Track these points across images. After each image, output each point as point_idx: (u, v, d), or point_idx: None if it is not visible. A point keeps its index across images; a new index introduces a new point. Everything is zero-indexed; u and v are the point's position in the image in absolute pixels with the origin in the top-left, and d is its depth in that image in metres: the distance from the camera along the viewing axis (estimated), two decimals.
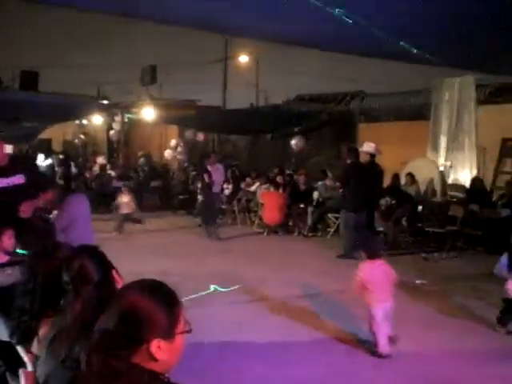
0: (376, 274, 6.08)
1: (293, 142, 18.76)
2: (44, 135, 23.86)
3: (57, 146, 26.95)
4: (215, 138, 23.62)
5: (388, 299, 6.01)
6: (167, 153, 22.56)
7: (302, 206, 14.50)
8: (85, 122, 25.46)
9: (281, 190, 15.14)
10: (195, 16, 6.99)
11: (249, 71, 31.09)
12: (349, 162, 11.87)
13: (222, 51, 27.53)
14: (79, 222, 7.38)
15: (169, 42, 28.45)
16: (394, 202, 12.71)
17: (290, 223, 14.88)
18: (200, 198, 14.77)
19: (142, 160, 22.22)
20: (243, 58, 29.12)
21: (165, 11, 6.75)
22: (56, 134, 25.00)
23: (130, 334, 1.89)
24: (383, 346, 5.92)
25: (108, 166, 20.95)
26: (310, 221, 14.21)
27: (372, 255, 6.22)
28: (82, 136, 25.61)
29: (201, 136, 22.99)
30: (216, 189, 15.41)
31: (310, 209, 14.28)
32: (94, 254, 2.91)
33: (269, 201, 14.62)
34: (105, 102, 24.07)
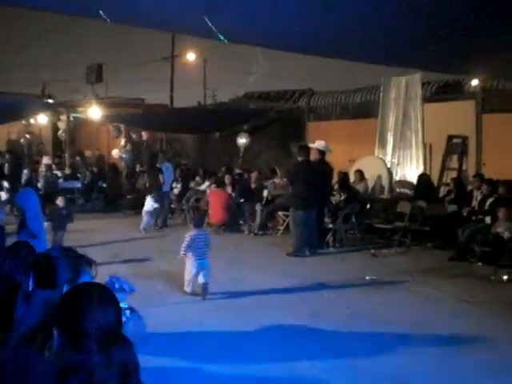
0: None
1: (239, 139, 18.69)
2: None
3: (1, 145, 26.24)
4: (163, 136, 23.37)
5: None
6: (114, 152, 22.21)
7: (251, 204, 14.47)
8: (30, 121, 24.85)
9: (228, 189, 15.08)
10: (144, 14, 6.87)
11: (196, 69, 30.93)
12: (299, 159, 11.89)
13: (169, 49, 27.26)
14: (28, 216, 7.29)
15: (115, 39, 28.09)
16: (342, 198, 12.81)
17: (241, 221, 14.85)
18: (148, 197, 14.56)
19: (77, 159, 21.67)
20: (190, 56, 28.89)
21: (114, 10, 6.61)
22: (0, 133, 24.34)
23: None
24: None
25: (54, 166, 20.50)
26: (259, 219, 14.20)
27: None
28: (27, 135, 24.99)
29: (145, 135, 22.72)
30: (165, 188, 15.32)
31: (259, 207, 14.25)
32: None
33: (214, 200, 14.52)
34: (50, 100, 23.58)
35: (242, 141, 18.68)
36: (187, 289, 8.34)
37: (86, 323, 2.18)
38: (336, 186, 13.42)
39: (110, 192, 18.96)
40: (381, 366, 5.75)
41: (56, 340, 2.16)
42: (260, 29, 7.39)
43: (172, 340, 6.45)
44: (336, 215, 12.45)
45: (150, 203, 14.21)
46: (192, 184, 17.02)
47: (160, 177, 14.98)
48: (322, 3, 6.05)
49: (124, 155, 21.20)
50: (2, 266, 3.10)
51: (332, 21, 6.71)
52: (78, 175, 20.11)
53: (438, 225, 12.11)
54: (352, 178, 14.09)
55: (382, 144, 15.60)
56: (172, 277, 9.15)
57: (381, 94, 15.84)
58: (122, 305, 2.64)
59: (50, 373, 2.11)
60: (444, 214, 12.23)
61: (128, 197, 18.25)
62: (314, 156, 11.97)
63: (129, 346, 2.25)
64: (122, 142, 22.50)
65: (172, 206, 16.38)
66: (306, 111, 19.41)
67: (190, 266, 8.31)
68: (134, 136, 22.87)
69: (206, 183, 16.33)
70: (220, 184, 15.12)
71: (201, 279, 8.23)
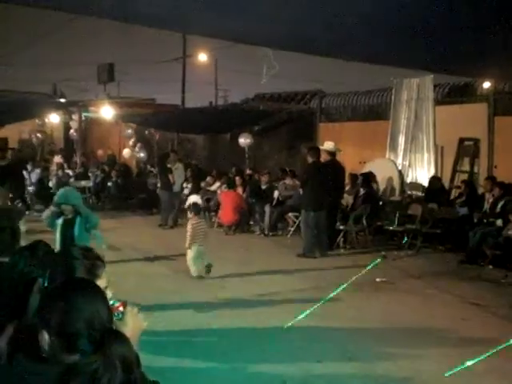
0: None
1: (241, 140, 18.63)
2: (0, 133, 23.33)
3: (13, 144, 26.38)
4: (174, 136, 23.44)
5: None
6: (126, 152, 22.30)
7: (262, 205, 14.48)
8: (42, 119, 24.96)
9: (239, 190, 15.10)
10: (155, 14, 6.88)
11: (208, 70, 31.00)
12: (310, 161, 11.88)
13: (181, 49, 27.33)
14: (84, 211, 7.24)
15: (127, 40, 28.19)
16: (361, 194, 12.83)
17: (251, 222, 14.88)
18: (162, 196, 14.64)
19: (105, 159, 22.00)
20: (202, 57, 28.94)
21: (124, 9, 6.63)
22: (12, 132, 24.45)
23: None
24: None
25: (65, 165, 20.61)
26: (269, 220, 14.19)
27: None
28: (39, 134, 25.10)
29: (156, 134, 22.82)
30: (176, 188, 15.38)
31: (269, 208, 14.25)
32: None
33: (225, 200, 14.57)
34: (61, 100, 23.67)
35: (246, 141, 18.62)
36: (194, 274, 9.35)
37: (76, 323, 2.07)
38: (348, 187, 13.43)
39: (122, 191, 19.00)
40: (393, 370, 5.75)
41: (48, 344, 2.12)
42: (271, 30, 7.39)
43: (182, 339, 6.47)
44: (347, 217, 12.45)
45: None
46: (203, 184, 17.06)
47: (170, 177, 15.08)
48: (332, 4, 6.04)
49: (141, 154, 21.24)
50: (17, 263, 3.12)
51: (342, 22, 6.70)
52: (89, 174, 20.19)
53: (449, 227, 12.08)
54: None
55: (394, 146, 15.56)
56: (180, 274, 9.18)
57: (392, 96, 15.80)
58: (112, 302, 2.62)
59: (51, 379, 2.05)
60: (455, 216, 12.20)
61: (140, 196, 18.30)
62: (324, 157, 11.99)
63: (124, 339, 2.18)
64: (132, 141, 22.55)
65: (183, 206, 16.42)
66: (316, 113, 19.39)
67: (191, 252, 9.40)
68: (145, 135, 22.96)
69: (217, 184, 16.36)
70: (231, 185, 15.13)
71: (204, 262, 9.42)
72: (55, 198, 6.78)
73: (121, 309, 2.65)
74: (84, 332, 2.08)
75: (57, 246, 6.28)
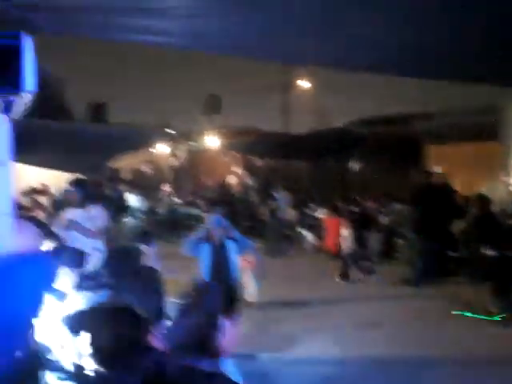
0: None
1: (350, 164, 18.50)
2: (112, 163, 24.39)
3: (124, 174, 27.52)
4: (278, 163, 23.60)
5: None
6: (231, 178, 22.68)
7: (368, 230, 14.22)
8: (151, 150, 25.95)
9: (344, 216, 14.92)
10: (252, 46, 6.92)
11: (309, 95, 31.06)
12: (420, 184, 11.60)
13: (283, 77, 27.62)
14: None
15: (229, 69, 28.79)
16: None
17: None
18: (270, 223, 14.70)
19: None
20: (304, 83, 29.12)
21: (222, 45, 6.72)
22: (124, 162, 25.49)
23: None
24: None
25: (174, 194, 21.20)
26: (376, 246, 13.93)
27: None
28: (149, 164, 26.04)
29: (260, 162, 23.09)
30: (281, 214, 15.44)
31: (376, 234, 13.99)
32: None
33: (330, 227, 14.41)
34: (170, 131, 24.50)
35: (350, 166, 18.49)
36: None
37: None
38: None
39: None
40: None
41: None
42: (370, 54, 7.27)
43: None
44: (459, 242, 11.98)
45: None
46: (307, 210, 17.01)
47: (273, 204, 15.08)
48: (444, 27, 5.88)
49: (247, 181, 21.53)
50: None
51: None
52: (197, 202, 20.64)
53: None
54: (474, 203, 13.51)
55: (507, 168, 14.87)
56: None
57: (504, 115, 15.14)
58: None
59: None
60: None
61: (245, 223, 18.46)
62: (434, 180, 11.66)
63: (149, 351, 2.21)
64: (238, 169, 22.91)
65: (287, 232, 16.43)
66: (422, 134, 18.92)
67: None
68: (250, 163, 23.28)
69: (321, 210, 16.26)
70: (335, 211, 14.97)
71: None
72: (207, 223, 6.69)
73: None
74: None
75: (205, 272, 6.28)
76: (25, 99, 1.88)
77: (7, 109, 1.84)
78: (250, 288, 8.90)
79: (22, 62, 1.64)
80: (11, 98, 1.85)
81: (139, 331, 2.46)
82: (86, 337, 2.54)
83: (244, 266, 7.64)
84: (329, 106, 30.14)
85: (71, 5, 3.68)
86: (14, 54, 1.64)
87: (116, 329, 2.42)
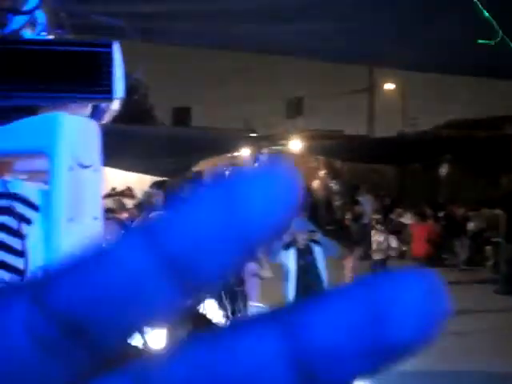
0: None
1: (441, 170, 18.04)
2: (196, 168, 24.82)
3: (208, 178, 27.89)
4: (363, 167, 23.29)
5: None
6: (314, 182, 22.56)
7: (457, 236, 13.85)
8: (235, 154, 26.22)
9: (431, 222, 14.57)
10: (336, 50, 6.82)
11: (395, 98, 30.54)
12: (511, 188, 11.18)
13: (367, 80, 27.29)
14: None
15: (312, 72, 28.70)
16: None
17: (445, 256, 14.28)
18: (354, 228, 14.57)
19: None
20: (389, 86, 28.69)
21: (305, 48, 6.65)
22: (207, 166, 25.86)
23: None
24: None
25: None
26: (464, 253, 13.52)
27: None
28: (231, 168, 26.33)
29: (344, 166, 22.85)
30: (366, 219, 15.22)
31: (464, 241, 13.59)
32: None
33: (417, 233, 14.09)
34: (252, 134, 24.66)
35: (438, 170, 18.01)
36: None
37: None
38: None
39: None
40: None
41: None
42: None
43: None
44: None
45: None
46: (393, 216, 16.70)
47: (358, 208, 14.93)
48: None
49: (332, 186, 21.39)
50: None
51: None
52: None
53: None
54: None
55: None
56: None
57: None
58: None
59: None
60: None
61: (327, 227, 18.34)
62: None
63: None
64: (322, 173, 22.78)
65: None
66: None
67: None
68: (334, 167, 23.10)
69: (408, 215, 15.93)
70: (422, 216, 14.64)
71: None
72: (291, 227, 6.57)
73: None
74: None
75: (291, 276, 6.22)
76: (114, 105, 1.89)
77: (97, 115, 1.86)
78: None
79: (113, 69, 1.64)
80: (102, 104, 1.86)
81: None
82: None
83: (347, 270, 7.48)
84: (416, 109, 29.56)
85: (160, 12, 3.74)
86: (106, 62, 1.64)
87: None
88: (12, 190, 1.63)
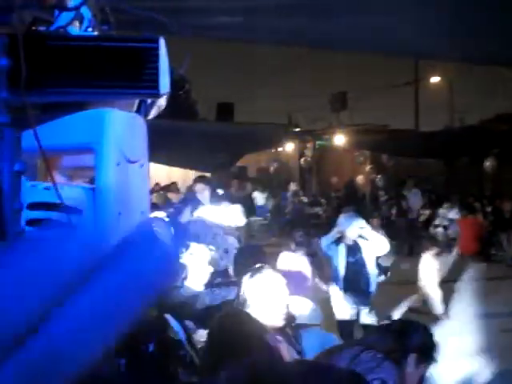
0: None
1: (488, 164, 17.65)
2: (240, 162, 24.88)
3: (252, 173, 27.94)
4: (409, 162, 22.99)
5: None
6: (359, 178, 22.35)
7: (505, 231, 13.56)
8: (279, 149, 26.21)
9: (479, 217, 14.29)
10: (385, 42, 6.71)
11: (442, 92, 30.03)
12: None
13: (413, 73, 26.90)
14: None
15: (356, 67, 28.45)
16: None
17: (493, 251, 13.99)
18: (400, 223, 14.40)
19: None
20: (435, 79, 28.22)
21: (353, 40, 6.56)
22: (251, 161, 25.93)
23: None
24: None
25: (300, 193, 21.23)
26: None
27: None
28: (276, 163, 26.29)
29: (390, 160, 22.58)
30: (412, 215, 15.03)
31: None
32: None
33: (464, 228, 13.82)
34: (296, 129, 24.58)
35: (487, 165, 17.64)
36: None
37: None
38: None
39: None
40: None
41: None
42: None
43: None
44: None
45: None
46: (440, 211, 16.43)
47: (403, 203, 14.75)
48: None
49: (379, 181, 21.13)
50: None
51: None
52: (322, 201, 20.57)
53: None
54: None
55: None
56: None
57: None
58: None
59: None
60: None
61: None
62: None
63: None
64: (367, 168, 22.56)
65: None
66: None
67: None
68: (380, 161, 22.87)
69: (455, 210, 15.65)
70: (470, 211, 14.37)
71: None
72: (339, 222, 6.55)
73: None
74: None
75: (340, 272, 6.20)
76: (160, 101, 1.89)
77: (143, 110, 1.87)
78: None
79: (159, 64, 1.64)
80: (148, 100, 1.86)
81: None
82: None
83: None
84: (462, 103, 29.02)
85: (209, 7, 3.74)
86: (152, 57, 1.64)
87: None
88: (62, 197, 1.63)
